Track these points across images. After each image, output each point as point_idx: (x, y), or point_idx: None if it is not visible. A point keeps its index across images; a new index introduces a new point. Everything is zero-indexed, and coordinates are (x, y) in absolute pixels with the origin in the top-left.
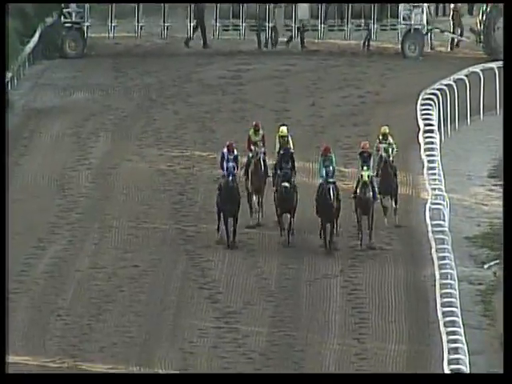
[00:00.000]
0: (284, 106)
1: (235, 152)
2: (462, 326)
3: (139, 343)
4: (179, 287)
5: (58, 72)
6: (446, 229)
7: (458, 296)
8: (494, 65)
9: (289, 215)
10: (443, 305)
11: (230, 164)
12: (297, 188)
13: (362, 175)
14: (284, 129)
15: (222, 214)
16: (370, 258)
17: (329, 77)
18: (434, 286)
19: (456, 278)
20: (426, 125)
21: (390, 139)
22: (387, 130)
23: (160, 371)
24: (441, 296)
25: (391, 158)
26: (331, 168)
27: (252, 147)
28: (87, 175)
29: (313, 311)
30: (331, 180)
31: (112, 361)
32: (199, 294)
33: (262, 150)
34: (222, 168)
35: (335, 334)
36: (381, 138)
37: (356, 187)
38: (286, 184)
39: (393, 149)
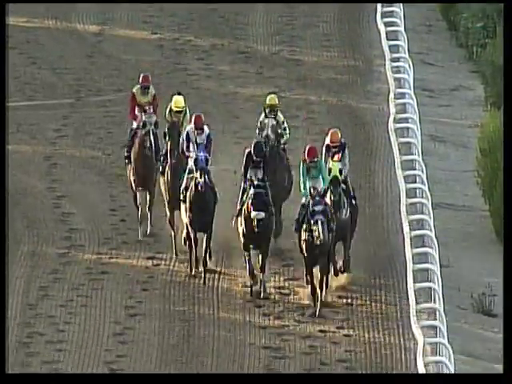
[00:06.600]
0: None
1: (206, 130)
2: None
3: None
4: None
5: None
6: None
7: None
8: None
9: (259, 251)
10: None
11: (201, 154)
12: (272, 209)
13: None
14: (180, 99)
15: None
16: None
17: None
18: None
19: None
20: None
21: (280, 116)
22: (276, 101)
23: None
24: None
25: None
26: (320, 180)
27: (138, 113)
28: None
29: None
30: (319, 208)
31: None
32: None
33: (154, 118)
34: (185, 154)
35: None
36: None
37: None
38: (262, 215)
39: (284, 134)
